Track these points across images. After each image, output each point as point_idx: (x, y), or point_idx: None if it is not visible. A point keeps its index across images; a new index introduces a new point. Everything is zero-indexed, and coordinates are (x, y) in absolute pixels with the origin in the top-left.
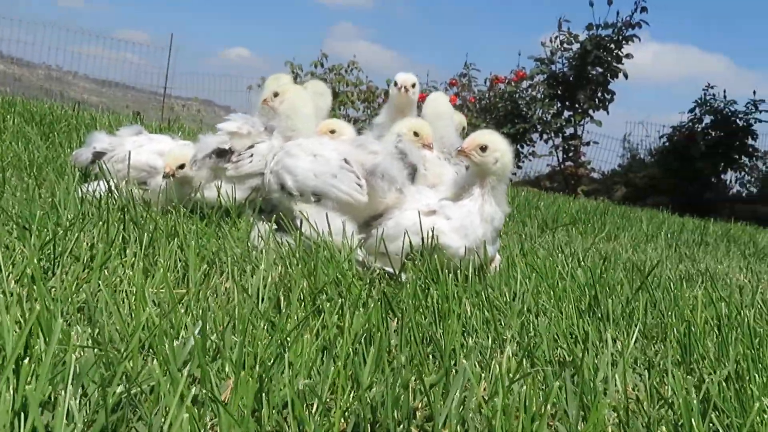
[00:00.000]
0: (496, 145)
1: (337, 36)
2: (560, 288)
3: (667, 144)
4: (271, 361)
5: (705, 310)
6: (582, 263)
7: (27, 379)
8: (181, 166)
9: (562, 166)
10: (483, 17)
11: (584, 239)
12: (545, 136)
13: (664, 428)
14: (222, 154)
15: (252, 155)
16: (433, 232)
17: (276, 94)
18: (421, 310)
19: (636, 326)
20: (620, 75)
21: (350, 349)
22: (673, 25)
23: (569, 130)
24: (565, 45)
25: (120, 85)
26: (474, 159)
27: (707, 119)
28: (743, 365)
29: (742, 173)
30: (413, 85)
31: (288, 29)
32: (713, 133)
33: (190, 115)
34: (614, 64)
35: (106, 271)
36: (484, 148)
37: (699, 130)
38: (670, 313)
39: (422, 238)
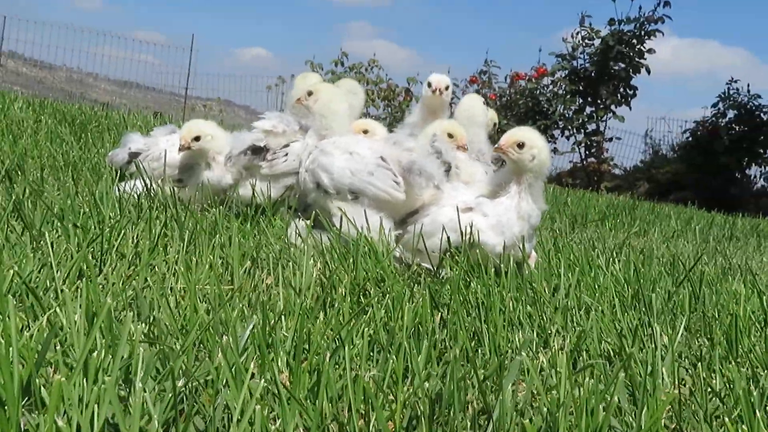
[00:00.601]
0: (534, 141)
1: (354, 35)
2: (601, 282)
3: (690, 139)
4: (328, 354)
5: (747, 304)
6: (618, 258)
7: (96, 375)
8: (197, 138)
9: (585, 162)
10: (502, 13)
11: (615, 235)
12: (567, 133)
13: (722, 419)
14: (257, 151)
15: (287, 154)
16: (470, 228)
17: (310, 93)
18: (465, 305)
19: (681, 320)
20: (642, 70)
21: (405, 343)
22: (693, 19)
23: (591, 126)
24: (586, 41)
25: (140, 86)
26: (511, 156)
27: (731, 114)
28: None
29: (767, 168)
30: (447, 88)
31: (304, 29)
32: (737, 128)
33: (211, 116)
34: (636, 59)
35: (151, 268)
36: (521, 145)
37: (722, 124)
38: (712, 307)
39: (460, 234)
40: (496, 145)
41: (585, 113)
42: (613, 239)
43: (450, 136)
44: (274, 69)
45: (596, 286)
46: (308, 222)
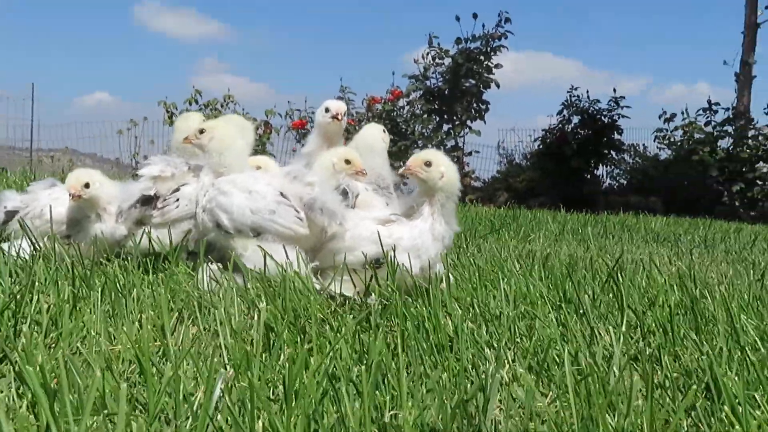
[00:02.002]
0: (440, 160)
1: (201, 71)
2: (532, 291)
3: (541, 147)
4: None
5: (671, 294)
6: (531, 265)
7: None
8: (86, 185)
9: None
10: (352, 40)
11: (505, 244)
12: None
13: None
14: (147, 201)
15: (178, 199)
16: (392, 239)
17: (201, 131)
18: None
19: (622, 318)
20: (492, 85)
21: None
22: (528, 33)
23: (450, 143)
24: (437, 60)
25: None
26: (420, 175)
27: (575, 119)
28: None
29: (612, 167)
30: (344, 113)
31: (149, 69)
32: (582, 132)
33: (59, 167)
34: (485, 75)
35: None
36: (428, 164)
37: (569, 130)
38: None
39: (381, 246)
40: (404, 167)
41: (443, 130)
42: (508, 248)
43: (347, 162)
44: (120, 113)
45: (527, 296)
46: (219, 265)
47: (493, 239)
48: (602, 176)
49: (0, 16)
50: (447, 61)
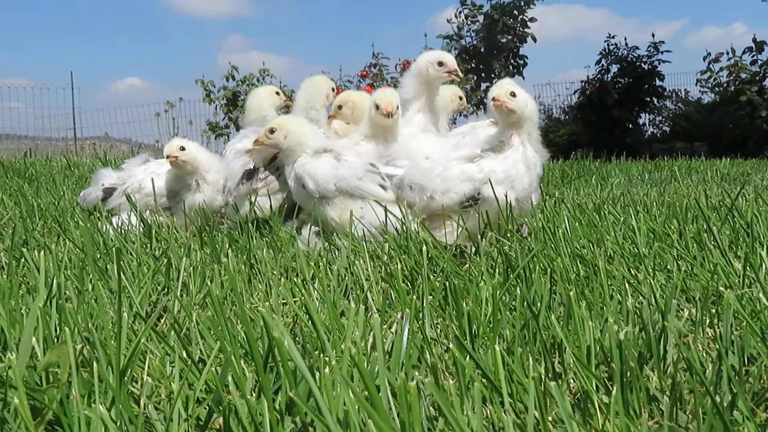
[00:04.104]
0: (521, 89)
1: (229, 49)
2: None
3: (581, 98)
4: None
5: None
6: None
7: None
8: (182, 148)
9: None
10: (379, 5)
11: (588, 192)
12: (466, 112)
13: None
14: (251, 175)
15: (278, 168)
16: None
17: (272, 131)
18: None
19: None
20: (528, 39)
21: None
22: None
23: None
24: (470, 18)
25: (10, 136)
26: (510, 105)
27: (614, 68)
28: None
29: (654, 115)
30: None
31: (175, 50)
32: (622, 81)
33: (101, 153)
34: (521, 29)
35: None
36: (513, 94)
37: (609, 80)
38: None
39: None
40: (493, 99)
41: (481, 89)
42: (592, 194)
43: (440, 64)
44: (152, 96)
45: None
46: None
47: (569, 190)
48: (645, 125)
49: (33, 13)
50: (480, 18)
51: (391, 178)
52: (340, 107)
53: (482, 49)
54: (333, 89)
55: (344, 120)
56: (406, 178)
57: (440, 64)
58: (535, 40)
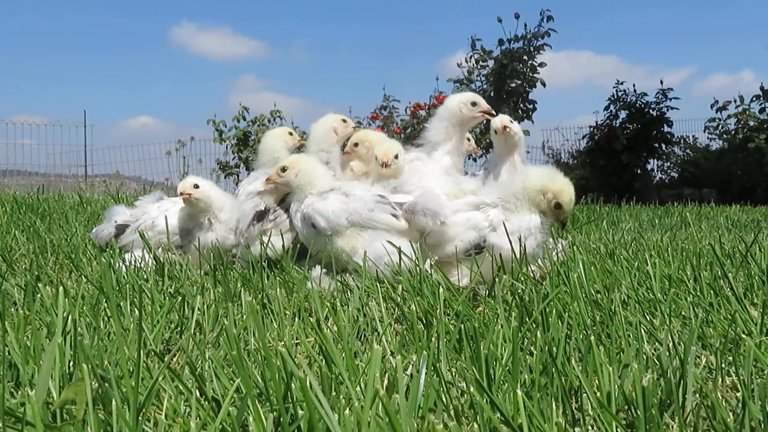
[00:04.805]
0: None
1: (240, 90)
2: (673, 273)
3: (589, 143)
4: None
5: None
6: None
7: None
8: (195, 186)
9: None
10: (392, 48)
11: (599, 237)
12: (475, 154)
13: None
14: (262, 216)
15: (287, 210)
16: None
17: (284, 169)
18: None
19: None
20: (538, 84)
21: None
22: (568, 32)
23: None
24: (480, 63)
25: (22, 173)
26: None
27: (623, 114)
28: None
29: (662, 161)
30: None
31: (187, 90)
32: (630, 126)
33: (109, 192)
34: (530, 74)
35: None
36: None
37: (618, 125)
38: None
39: (480, 231)
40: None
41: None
42: (602, 239)
43: (473, 104)
44: (163, 135)
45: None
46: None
47: (581, 234)
48: (653, 170)
49: (52, 53)
50: (490, 63)
51: (400, 205)
52: (356, 144)
53: (491, 94)
54: (344, 120)
55: (359, 158)
56: (419, 203)
57: (473, 104)
58: (544, 85)
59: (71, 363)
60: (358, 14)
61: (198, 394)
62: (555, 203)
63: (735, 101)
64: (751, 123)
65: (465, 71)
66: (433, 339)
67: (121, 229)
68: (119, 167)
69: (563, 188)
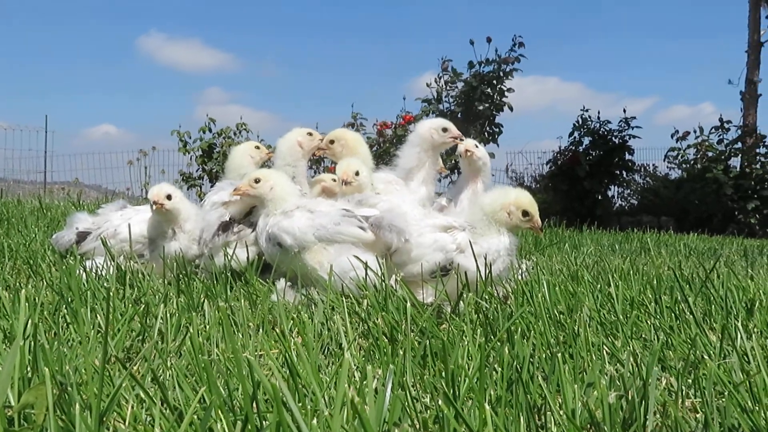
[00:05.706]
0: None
1: (207, 101)
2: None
3: (553, 168)
4: None
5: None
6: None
7: None
8: (168, 197)
9: None
10: (361, 67)
11: (561, 259)
12: (441, 175)
13: None
14: (227, 227)
15: (252, 223)
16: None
17: (257, 180)
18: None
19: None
20: (505, 108)
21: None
22: (535, 58)
23: None
24: (449, 84)
25: None
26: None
27: (586, 140)
28: None
29: (623, 188)
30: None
31: (152, 100)
32: (593, 153)
33: (70, 199)
34: (499, 98)
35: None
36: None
37: (581, 151)
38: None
39: (446, 252)
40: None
41: (456, 153)
42: (566, 261)
43: (444, 130)
44: (126, 145)
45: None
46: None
47: (543, 256)
48: (614, 197)
49: (8, 56)
50: (460, 85)
51: (366, 218)
52: (332, 141)
53: (459, 115)
54: (310, 133)
55: (333, 156)
56: (386, 218)
57: (444, 130)
58: (511, 109)
59: (29, 369)
60: (330, 31)
61: (160, 402)
62: (521, 212)
63: (695, 132)
64: (710, 154)
65: (434, 91)
66: (400, 354)
67: (82, 236)
68: (79, 175)
69: (519, 196)
